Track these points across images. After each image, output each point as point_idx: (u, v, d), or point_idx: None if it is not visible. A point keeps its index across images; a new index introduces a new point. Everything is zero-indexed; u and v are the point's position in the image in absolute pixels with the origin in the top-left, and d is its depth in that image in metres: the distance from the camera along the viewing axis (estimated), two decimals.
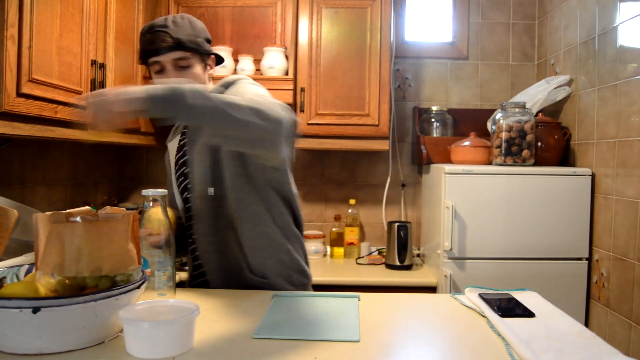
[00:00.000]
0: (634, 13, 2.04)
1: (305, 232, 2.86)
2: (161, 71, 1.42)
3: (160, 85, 1.06)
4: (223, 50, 2.55)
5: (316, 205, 3.03)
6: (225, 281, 1.45)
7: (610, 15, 2.22)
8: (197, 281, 1.52)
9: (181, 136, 1.57)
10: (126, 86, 1.05)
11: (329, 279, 2.35)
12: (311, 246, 2.80)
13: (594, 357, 0.92)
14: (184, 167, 1.52)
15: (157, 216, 1.24)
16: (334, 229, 2.86)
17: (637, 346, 2.00)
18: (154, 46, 1.39)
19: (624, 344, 2.07)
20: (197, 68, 1.44)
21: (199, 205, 1.47)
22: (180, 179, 1.53)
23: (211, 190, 1.44)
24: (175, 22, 1.42)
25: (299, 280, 1.52)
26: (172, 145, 1.61)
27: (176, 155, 1.56)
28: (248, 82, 1.49)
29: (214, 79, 1.59)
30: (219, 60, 1.58)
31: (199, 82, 1.43)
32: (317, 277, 2.39)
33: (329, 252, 2.90)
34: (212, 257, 1.47)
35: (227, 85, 1.49)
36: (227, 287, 1.44)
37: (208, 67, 1.51)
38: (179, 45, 1.39)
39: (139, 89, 1.04)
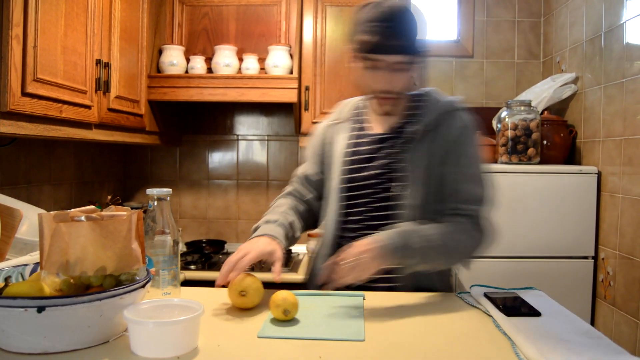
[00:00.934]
0: None
1: (310, 231, 2.86)
2: (375, 68, 1.31)
3: (386, 241, 1.23)
4: (228, 49, 2.55)
5: None
6: (415, 288, 1.41)
7: (616, 13, 2.20)
8: (387, 285, 1.40)
9: (356, 125, 1.47)
10: (367, 246, 1.21)
11: None
12: (315, 245, 2.80)
13: (601, 357, 0.91)
14: (360, 165, 1.42)
15: (252, 285, 1.20)
16: None
17: None
18: (384, 43, 1.26)
19: (631, 343, 2.05)
20: (411, 70, 1.34)
21: (406, 219, 1.36)
22: (350, 175, 1.42)
23: (419, 211, 1.35)
24: (409, 18, 1.29)
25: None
26: (336, 133, 1.49)
27: (347, 149, 1.45)
28: (473, 140, 1.41)
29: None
30: None
31: (408, 85, 1.36)
32: None
33: None
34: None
35: (443, 119, 1.38)
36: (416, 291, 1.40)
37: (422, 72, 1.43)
38: (409, 49, 1.28)
39: (378, 251, 1.21)
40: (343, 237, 1.44)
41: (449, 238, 1.30)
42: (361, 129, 1.47)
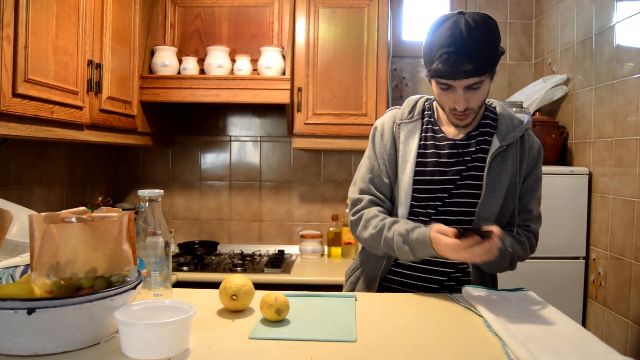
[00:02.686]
0: (631, 12, 2.04)
1: (303, 232, 2.87)
2: (448, 89, 1.33)
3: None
4: (220, 50, 2.55)
5: (313, 205, 3.02)
6: (482, 282, 1.46)
7: (607, 15, 2.22)
8: (466, 278, 1.47)
9: (427, 125, 1.47)
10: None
11: (326, 279, 2.35)
12: (308, 246, 2.81)
13: (591, 356, 0.92)
14: (431, 168, 1.43)
15: (242, 288, 1.18)
16: (331, 229, 2.86)
17: (634, 345, 2.00)
18: (451, 70, 1.27)
19: (621, 342, 2.07)
20: (486, 85, 1.34)
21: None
22: (425, 177, 1.43)
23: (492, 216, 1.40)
24: (477, 41, 1.26)
25: None
26: (408, 132, 1.47)
27: (422, 150, 1.45)
28: (542, 164, 1.48)
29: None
30: None
31: (483, 98, 1.36)
32: (314, 277, 2.40)
33: (326, 252, 2.89)
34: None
35: (523, 137, 1.42)
36: (482, 284, 1.46)
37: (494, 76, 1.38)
38: (477, 72, 1.27)
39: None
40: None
41: (521, 249, 1.42)
42: (434, 130, 1.47)
